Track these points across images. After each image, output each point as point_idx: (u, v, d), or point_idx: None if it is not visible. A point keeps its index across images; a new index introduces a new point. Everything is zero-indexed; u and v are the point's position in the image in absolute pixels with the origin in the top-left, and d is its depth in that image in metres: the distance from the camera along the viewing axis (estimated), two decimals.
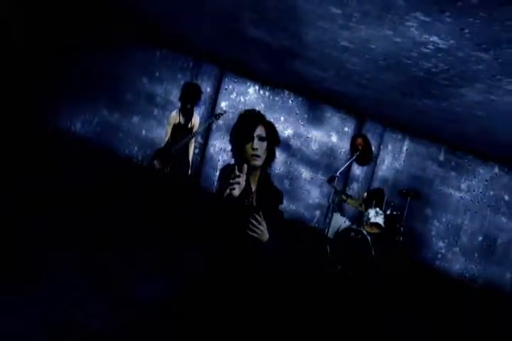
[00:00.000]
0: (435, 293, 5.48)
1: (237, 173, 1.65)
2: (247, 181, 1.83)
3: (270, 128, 1.84)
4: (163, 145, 4.56)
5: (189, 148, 4.59)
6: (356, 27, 2.52)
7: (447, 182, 6.28)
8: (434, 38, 2.26)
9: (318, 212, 6.54)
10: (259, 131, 1.80)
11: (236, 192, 1.63)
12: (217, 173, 6.84)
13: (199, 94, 4.52)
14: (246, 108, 6.15)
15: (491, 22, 1.83)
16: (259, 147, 1.78)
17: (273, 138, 1.84)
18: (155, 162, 4.43)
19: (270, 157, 1.86)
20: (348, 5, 2.23)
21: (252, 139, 1.77)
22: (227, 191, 1.67)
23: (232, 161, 1.92)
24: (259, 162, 1.80)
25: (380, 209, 4.95)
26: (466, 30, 2.02)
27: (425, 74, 3.04)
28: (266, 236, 1.74)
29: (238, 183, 1.63)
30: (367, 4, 2.12)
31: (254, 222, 1.72)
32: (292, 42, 3.43)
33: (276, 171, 6.61)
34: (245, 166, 1.69)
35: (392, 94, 4.19)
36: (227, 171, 1.83)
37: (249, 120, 1.83)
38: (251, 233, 1.71)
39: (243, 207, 1.76)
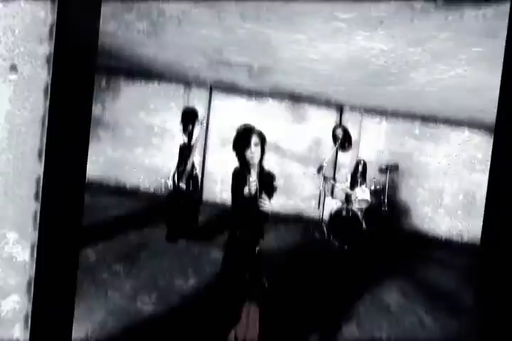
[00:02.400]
0: (426, 254, 6.12)
1: (252, 179, 2.48)
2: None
3: (260, 135, 2.60)
4: (176, 166, 5.22)
5: (194, 164, 5.27)
6: (318, 45, 3.36)
7: (425, 152, 7.12)
8: (377, 44, 3.10)
9: (313, 202, 7.27)
10: (254, 139, 2.55)
11: (253, 190, 2.47)
12: (219, 183, 7.55)
13: (197, 115, 5.27)
14: (235, 121, 6.96)
15: (408, 30, 2.66)
16: (255, 150, 2.54)
17: (263, 141, 2.61)
18: (181, 184, 5.08)
19: (262, 154, 2.61)
20: (308, 32, 3.06)
21: (250, 146, 2.53)
22: (247, 190, 2.49)
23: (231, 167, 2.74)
24: (256, 160, 2.56)
25: (364, 177, 5.72)
26: (397, 36, 2.85)
27: (380, 68, 3.88)
28: (271, 208, 2.54)
29: (255, 183, 2.47)
30: (322, 29, 2.95)
31: (263, 200, 2.51)
32: (270, 61, 4.26)
33: None
34: (252, 171, 2.47)
35: (360, 87, 5.02)
36: (239, 174, 2.62)
37: (246, 132, 2.57)
38: (262, 208, 2.50)
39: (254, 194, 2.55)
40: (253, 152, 2.50)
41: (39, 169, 1.60)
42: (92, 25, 1.78)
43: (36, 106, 1.56)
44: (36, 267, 1.59)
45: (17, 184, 1.56)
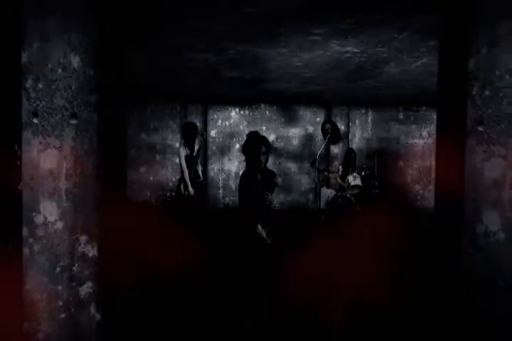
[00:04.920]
0: (421, 227, 6.46)
1: (257, 178, 2.92)
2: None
3: (267, 144, 3.05)
4: (186, 175, 5.64)
5: (198, 173, 5.71)
6: (301, 54, 3.86)
7: (410, 134, 7.61)
8: (350, 48, 3.60)
9: (311, 195, 7.72)
10: (262, 149, 3.00)
11: (258, 187, 2.92)
12: (221, 189, 8.01)
13: (197, 129, 5.72)
14: (232, 129, 7.41)
15: (373, 35, 3.16)
16: (263, 158, 2.99)
17: (268, 149, 3.05)
18: (190, 190, 5.53)
19: (267, 158, 3.05)
20: (290, 46, 3.55)
21: (259, 156, 2.97)
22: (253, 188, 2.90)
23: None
24: (263, 165, 3.01)
25: (354, 165, 6.17)
26: (364, 40, 3.34)
27: (356, 66, 4.38)
28: (273, 201, 3.00)
29: (259, 181, 2.91)
30: (301, 43, 3.45)
31: (266, 195, 2.96)
32: (260, 73, 4.77)
33: None
34: (258, 172, 2.93)
35: (342, 83, 5.52)
36: (246, 176, 3.05)
37: (255, 142, 3.01)
38: (265, 201, 2.95)
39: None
40: (261, 159, 2.95)
41: (98, 188, 2.06)
42: (122, 78, 2.26)
43: (92, 141, 2.02)
44: (103, 261, 2.07)
45: (84, 200, 2.04)
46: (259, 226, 2.87)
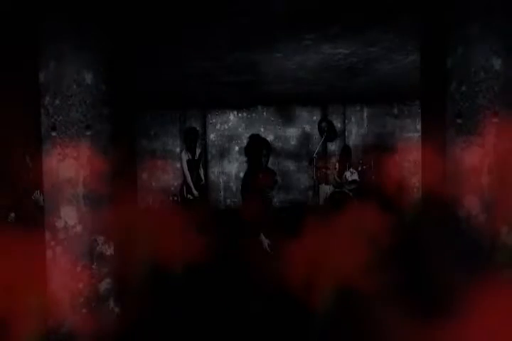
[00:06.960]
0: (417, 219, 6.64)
1: (259, 177, 3.08)
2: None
3: (267, 146, 3.21)
4: (188, 179, 5.78)
5: (200, 176, 5.88)
6: (294, 57, 4.05)
7: (405, 128, 7.77)
8: (341, 50, 3.80)
9: (310, 193, 7.87)
10: (264, 151, 3.17)
11: (260, 185, 3.07)
12: (222, 191, 8.16)
13: (198, 134, 5.89)
14: (231, 132, 7.62)
15: (362, 37, 3.34)
16: (264, 160, 3.16)
17: (269, 151, 3.21)
18: (194, 193, 5.69)
19: (267, 159, 3.20)
20: (284, 51, 3.75)
21: (261, 157, 3.14)
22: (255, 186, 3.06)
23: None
24: (264, 166, 3.17)
25: (350, 161, 6.36)
26: (355, 42, 3.53)
27: (349, 66, 4.56)
28: (273, 196, 3.15)
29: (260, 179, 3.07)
30: (294, 47, 3.63)
31: (267, 193, 3.12)
32: (257, 77, 4.97)
33: None
34: (259, 171, 3.09)
35: (336, 83, 5.70)
36: (249, 175, 3.21)
37: (257, 144, 3.18)
38: (267, 198, 3.12)
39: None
40: (262, 161, 3.13)
41: (113, 192, 2.23)
42: (131, 90, 2.44)
43: (106, 150, 2.20)
44: (119, 259, 2.24)
45: (100, 204, 2.20)
46: (262, 236, 2.97)
